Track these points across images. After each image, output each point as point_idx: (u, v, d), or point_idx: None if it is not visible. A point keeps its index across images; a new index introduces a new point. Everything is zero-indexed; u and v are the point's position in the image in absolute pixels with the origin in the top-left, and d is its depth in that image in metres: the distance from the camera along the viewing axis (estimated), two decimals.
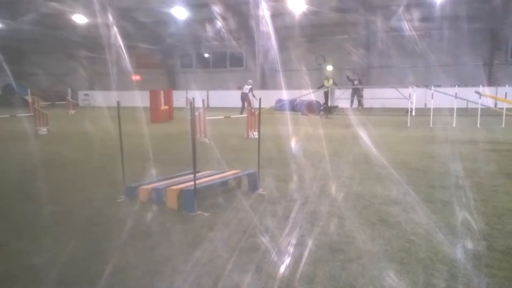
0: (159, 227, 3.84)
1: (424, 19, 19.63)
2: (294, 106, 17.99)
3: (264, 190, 5.03)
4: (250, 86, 17.56)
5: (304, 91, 18.54)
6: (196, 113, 8.95)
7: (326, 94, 18.77)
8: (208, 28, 22.75)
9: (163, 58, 26.95)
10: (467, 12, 17.91)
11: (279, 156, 7.46)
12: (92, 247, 3.34)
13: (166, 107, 15.23)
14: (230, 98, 21.62)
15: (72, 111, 19.19)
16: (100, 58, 25.69)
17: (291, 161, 7.00)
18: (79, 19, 22.33)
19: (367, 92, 20.61)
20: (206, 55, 27.40)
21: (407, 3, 18.67)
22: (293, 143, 9.22)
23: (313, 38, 23.35)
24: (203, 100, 9.11)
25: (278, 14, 19.79)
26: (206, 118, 9.55)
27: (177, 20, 22.40)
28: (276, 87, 22.05)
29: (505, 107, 11.82)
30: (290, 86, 19.75)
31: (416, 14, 19.37)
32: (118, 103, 4.77)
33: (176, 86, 26.56)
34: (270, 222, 3.89)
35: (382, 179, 5.61)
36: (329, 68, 21.72)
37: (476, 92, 11.58)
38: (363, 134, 10.56)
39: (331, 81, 19.20)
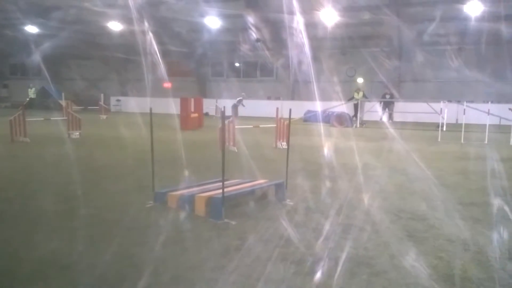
0: (186, 234, 3.95)
1: (459, 33, 19.24)
2: (324, 118, 17.94)
3: (291, 200, 5.08)
4: (240, 98, 19.04)
5: (334, 103, 18.48)
6: (226, 122, 9.12)
7: (356, 106, 18.63)
8: (241, 37, 23.10)
9: (195, 66, 27.50)
10: (505, 27, 17.41)
11: (307, 167, 7.48)
12: (121, 251, 3.47)
13: (196, 114, 15.55)
14: (260, 107, 21.79)
15: (104, 116, 19.83)
16: (133, 64, 26.47)
17: (319, 172, 7.02)
18: (115, 26, 23.15)
19: (398, 106, 20.29)
20: (237, 64, 27.77)
21: (442, 16, 18.36)
22: (322, 155, 9.21)
23: (345, 50, 23.28)
24: (232, 108, 9.25)
25: (310, 25, 19.86)
26: (236, 127, 9.70)
27: (210, 29, 22.88)
28: (306, 98, 22.04)
29: None
30: (320, 97, 19.70)
31: (450, 27, 19.03)
32: (150, 109, 4.94)
33: (207, 94, 27.01)
34: (296, 233, 3.93)
35: (412, 194, 5.54)
36: (360, 80, 21.56)
37: (509, 108, 11.22)
38: (392, 147, 10.44)
39: (361, 93, 19.05)
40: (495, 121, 13.90)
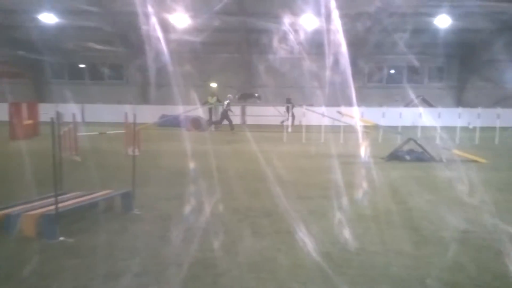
0: (9, 261, 3.39)
1: (301, 42, 21.38)
2: (179, 122, 17.81)
3: (140, 210, 4.85)
4: (227, 101, 17.74)
5: (189, 107, 18.53)
6: (66, 129, 8.25)
7: (210, 110, 19.06)
8: (85, 37, 21.30)
9: (29, 67, 24.28)
10: (333, 40, 20.04)
11: (160, 173, 7.28)
12: None
13: (31, 121, 13.69)
14: (109, 112, 20.41)
15: None
16: None
17: (171, 178, 6.89)
18: None
19: (250, 110, 21.52)
20: (81, 65, 25.55)
21: (286, 26, 20.12)
22: (175, 160, 9.08)
23: (198, 55, 23.59)
24: (73, 114, 8.44)
25: (163, 28, 19.52)
26: (78, 134, 8.86)
27: (44, 26, 20.47)
28: (160, 102, 21.61)
29: (357, 124, 13.47)
30: (175, 102, 19.52)
31: (295, 38, 20.99)
32: None
33: (46, 99, 24.09)
34: (142, 243, 3.76)
35: (258, 193, 5.88)
36: (213, 85, 22.16)
37: (337, 112, 12.97)
38: (243, 149, 10.98)
39: (215, 98, 19.58)
40: (331, 122, 15.89)
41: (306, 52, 22.50)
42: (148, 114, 18.81)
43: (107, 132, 11.60)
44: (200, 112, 18.31)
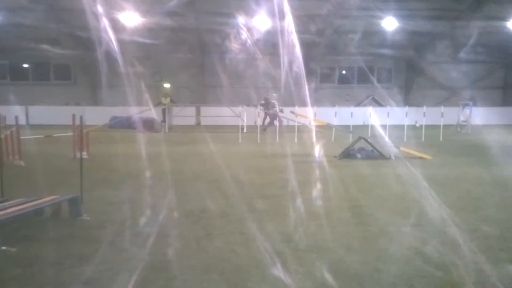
0: None
1: (257, 43, 21.48)
2: (131, 123, 17.32)
3: (89, 215, 4.66)
4: (273, 101, 16.93)
5: (141, 108, 18.06)
6: (8, 132, 7.77)
7: (164, 111, 18.70)
8: (27, 35, 20.14)
9: None
10: (290, 41, 20.30)
11: (111, 177, 7.06)
12: None
13: None
14: (56, 114, 19.42)
15: None
16: None
17: (123, 182, 6.68)
18: None
19: (204, 111, 21.35)
20: (25, 65, 24.17)
21: (241, 28, 20.15)
22: (127, 162, 8.81)
23: (150, 55, 23.07)
24: (16, 117, 7.97)
25: (113, 27, 18.88)
26: (22, 137, 8.37)
27: None
28: (111, 103, 20.91)
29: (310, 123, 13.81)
30: (127, 103, 18.95)
31: (249, 39, 21.04)
32: None
33: None
34: (91, 250, 3.61)
35: (213, 193, 5.84)
36: (167, 86, 21.76)
37: (291, 112, 13.22)
38: (198, 150, 10.86)
39: (168, 98, 19.25)
40: (285, 122, 16.14)
41: (261, 53, 22.67)
42: (98, 115, 18.16)
43: (54, 135, 11.06)
44: (153, 113, 17.92)
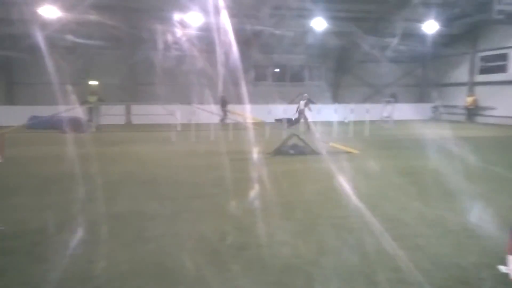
0: None
1: (190, 41, 21.08)
2: (54, 123, 16.13)
3: (4, 224, 4.24)
4: (305, 100, 16.56)
5: (66, 107, 16.89)
6: None
7: (90, 110, 17.66)
8: None
9: None
10: (225, 39, 20.21)
11: (29, 182, 6.49)
12: None
13: None
14: None
15: None
16: None
17: (43, 186, 6.18)
18: None
19: (135, 109, 20.55)
20: None
21: (174, 25, 19.63)
22: (48, 166, 8.17)
23: (75, 50, 21.66)
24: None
25: (31, 20, 17.43)
26: None
27: None
28: (29, 102, 19.34)
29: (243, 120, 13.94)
30: (48, 101, 17.64)
31: (181, 36, 20.59)
32: None
33: None
34: (7, 262, 3.28)
35: (144, 195, 5.62)
36: (93, 83, 20.57)
37: (227, 110, 13.18)
38: (128, 150, 10.41)
39: (95, 97, 18.23)
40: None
41: (194, 51, 22.35)
42: (14, 115, 16.75)
43: None
44: (80, 112, 16.85)
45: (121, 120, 20.07)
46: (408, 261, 3.31)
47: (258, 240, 3.86)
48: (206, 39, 20.06)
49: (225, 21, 16.10)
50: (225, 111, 18.32)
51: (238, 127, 14.05)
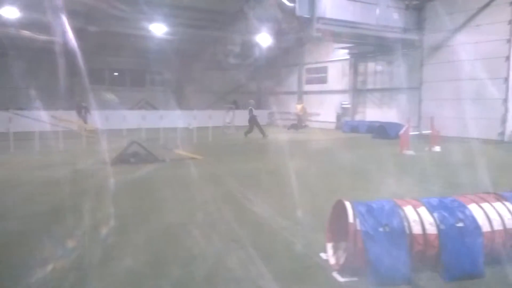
0: None
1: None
2: None
3: None
4: (250, 107, 16.54)
5: None
6: None
7: None
8: None
9: None
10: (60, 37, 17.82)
11: None
12: None
13: None
14: None
15: None
16: None
17: None
18: None
19: None
20: None
21: None
22: None
23: None
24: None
25: None
26: None
27: None
28: None
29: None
30: None
31: None
32: None
33: None
34: None
35: None
36: None
37: (52, 116, 11.73)
38: None
39: None
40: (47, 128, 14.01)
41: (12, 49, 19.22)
42: None
43: None
44: None
45: None
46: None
47: (108, 256, 3.39)
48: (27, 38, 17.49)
49: (50, 17, 14.35)
50: (84, 118, 16.90)
51: (70, 135, 12.63)
